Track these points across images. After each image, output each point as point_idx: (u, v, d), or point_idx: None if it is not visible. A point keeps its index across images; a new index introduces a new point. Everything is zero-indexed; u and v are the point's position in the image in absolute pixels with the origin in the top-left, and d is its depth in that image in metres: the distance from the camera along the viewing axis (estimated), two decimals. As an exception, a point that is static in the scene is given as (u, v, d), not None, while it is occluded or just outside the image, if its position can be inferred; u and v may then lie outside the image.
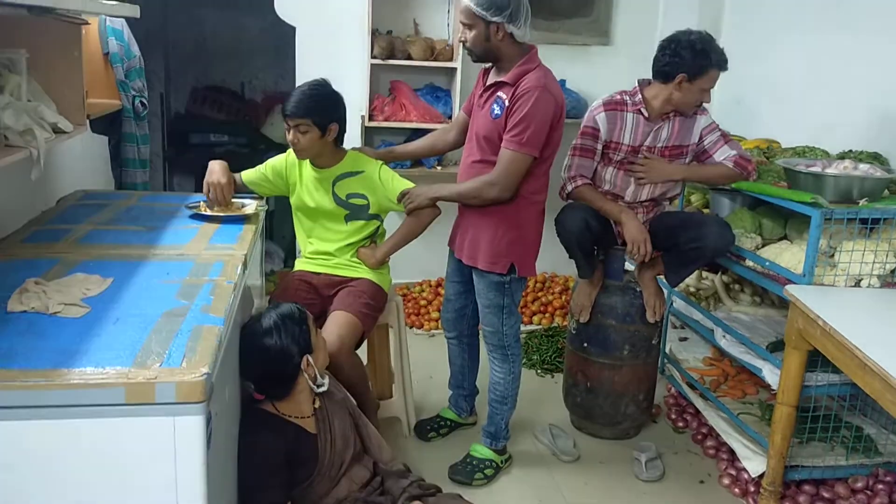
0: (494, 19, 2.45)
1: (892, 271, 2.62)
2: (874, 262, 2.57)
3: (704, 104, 2.89)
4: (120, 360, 1.49)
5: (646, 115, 2.82)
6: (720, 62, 2.74)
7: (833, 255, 2.63)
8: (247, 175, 2.81)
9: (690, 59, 2.71)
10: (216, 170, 2.69)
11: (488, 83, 2.63)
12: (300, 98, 2.58)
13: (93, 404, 1.44)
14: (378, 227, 2.85)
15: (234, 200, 2.71)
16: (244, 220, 2.60)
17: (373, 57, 4.02)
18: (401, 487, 2.35)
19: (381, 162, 2.78)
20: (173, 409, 1.46)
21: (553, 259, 3.11)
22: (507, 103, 2.51)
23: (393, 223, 2.83)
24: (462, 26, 2.54)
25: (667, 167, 2.87)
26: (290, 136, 2.62)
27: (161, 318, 1.70)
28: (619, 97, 2.88)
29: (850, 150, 3.05)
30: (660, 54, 2.79)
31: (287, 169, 2.80)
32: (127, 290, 1.87)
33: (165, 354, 1.52)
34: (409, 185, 2.73)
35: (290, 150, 2.76)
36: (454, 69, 4.13)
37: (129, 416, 1.46)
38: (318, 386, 2.20)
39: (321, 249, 2.83)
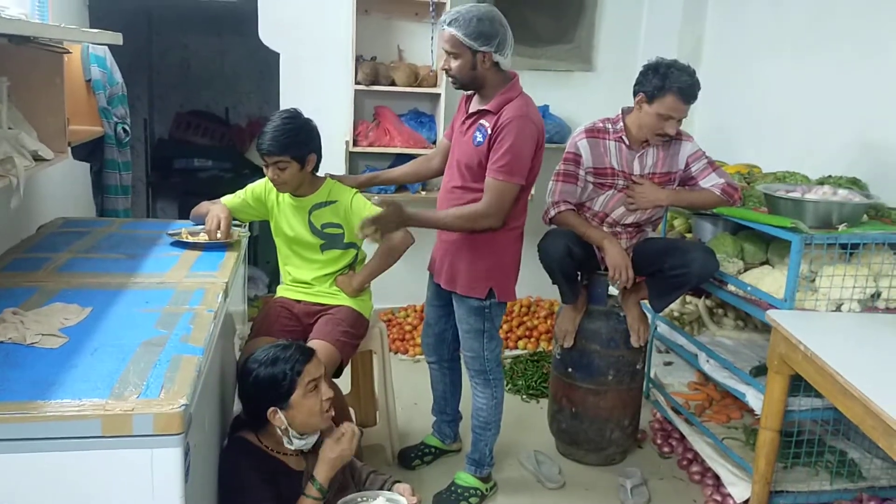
0: (482, 49, 2.46)
1: (872, 296, 2.64)
2: (854, 287, 2.59)
3: (685, 132, 2.90)
4: (97, 392, 1.47)
5: (627, 142, 2.84)
6: (680, 89, 2.67)
7: (814, 280, 2.65)
8: (228, 201, 2.80)
9: (650, 80, 2.72)
10: (218, 209, 2.69)
11: (471, 111, 2.63)
12: (275, 135, 2.54)
13: (69, 437, 1.41)
14: (356, 255, 2.84)
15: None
16: (226, 246, 2.59)
17: (357, 83, 4.04)
18: (382, 480, 2.35)
19: (355, 190, 2.76)
20: (151, 442, 1.44)
21: (538, 283, 3.12)
22: (489, 131, 2.51)
23: (373, 250, 2.81)
24: (446, 55, 2.54)
25: (657, 192, 2.88)
26: (269, 174, 2.61)
27: (140, 347, 1.69)
28: (601, 125, 2.90)
29: (830, 176, 3.09)
30: (637, 77, 2.81)
31: (266, 194, 2.79)
32: (106, 320, 1.85)
33: (143, 385, 1.51)
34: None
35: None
36: (438, 95, 4.16)
37: (105, 449, 1.43)
38: (289, 441, 2.10)
39: (299, 278, 2.82)
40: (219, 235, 2.61)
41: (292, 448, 2.13)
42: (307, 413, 2.10)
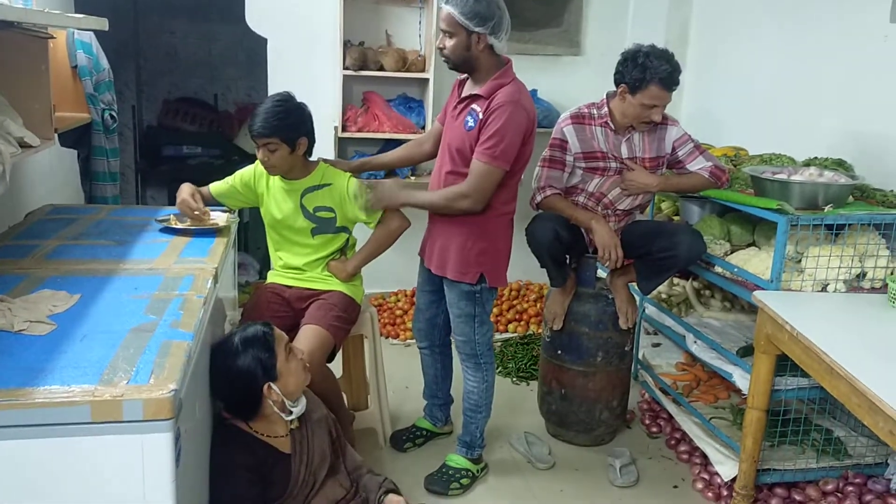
0: (477, 29, 2.45)
1: (858, 276, 2.66)
2: (840, 268, 2.61)
3: (671, 116, 2.91)
4: (86, 378, 1.48)
5: (612, 127, 2.85)
6: (661, 79, 2.68)
7: (800, 261, 2.67)
8: (216, 188, 2.80)
9: (630, 72, 2.72)
10: (181, 189, 2.69)
11: (463, 95, 2.63)
12: (266, 117, 2.55)
13: (59, 423, 1.42)
14: (347, 240, 2.85)
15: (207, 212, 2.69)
16: (215, 232, 2.59)
17: (345, 68, 4.02)
18: (377, 483, 2.37)
19: (349, 174, 2.77)
20: (141, 427, 1.44)
21: (527, 267, 3.14)
22: (480, 116, 2.51)
23: (364, 234, 2.82)
24: (442, 34, 2.53)
25: (647, 177, 2.89)
26: (259, 155, 2.61)
27: (129, 334, 1.69)
28: (585, 110, 2.90)
29: (816, 157, 3.10)
30: (616, 65, 2.81)
31: (255, 180, 2.79)
32: (95, 306, 1.85)
33: (133, 371, 1.51)
34: None
35: (258, 162, 2.77)
36: (427, 80, 4.14)
37: (95, 435, 1.44)
38: (288, 413, 2.14)
39: (290, 264, 2.82)
40: (196, 213, 2.61)
41: (291, 418, 2.15)
42: (295, 374, 2.16)
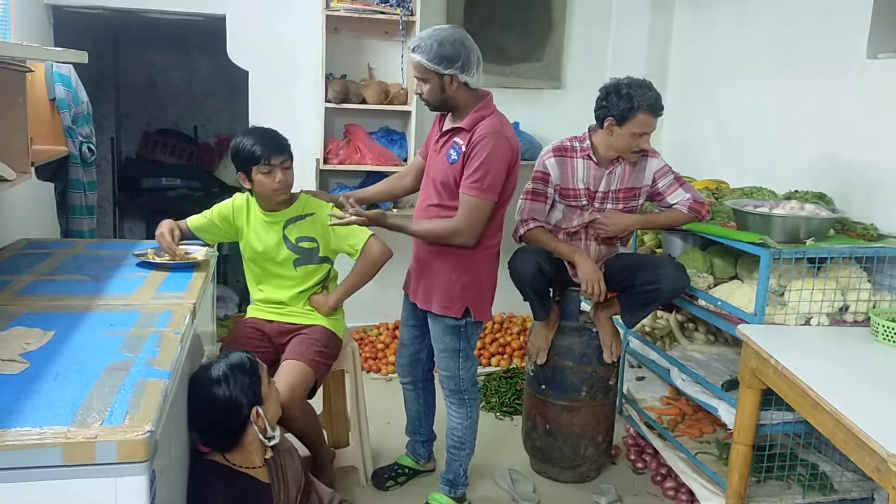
0: (447, 72, 2.47)
1: (840, 309, 2.67)
2: (822, 301, 2.61)
3: (652, 148, 2.93)
4: (59, 419, 1.43)
5: (595, 160, 2.86)
6: (649, 106, 2.72)
7: (783, 294, 2.67)
8: (193, 222, 2.76)
9: (616, 104, 2.75)
10: (160, 224, 2.66)
11: (444, 129, 2.63)
12: (275, 136, 2.62)
13: (30, 467, 1.37)
14: (329, 271, 2.81)
15: (182, 247, 2.65)
16: (194, 267, 2.55)
17: (327, 101, 4.02)
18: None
19: (331, 205, 2.76)
20: (115, 470, 1.40)
21: (510, 300, 3.12)
22: (463, 149, 2.52)
23: (346, 267, 2.79)
24: (417, 80, 2.56)
25: (624, 218, 2.91)
26: (277, 178, 2.58)
27: (104, 372, 1.64)
28: (568, 143, 2.91)
29: (797, 191, 3.13)
30: (597, 101, 2.83)
31: (234, 214, 2.76)
32: (69, 344, 1.81)
33: (107, 412, 1.46)
34: (361, 230, 2.68)
35: (236, 196, 2.76)
36: (409, 112, 4.15)
37: (68, 479, 1.39)
38: (269, 439, 2.12)
39: (273, 298, 2.78)
40: (168, 243, 2.58)
41: (271, 444, 2.13)
42: (275, 400, 2.20)
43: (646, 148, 2.81)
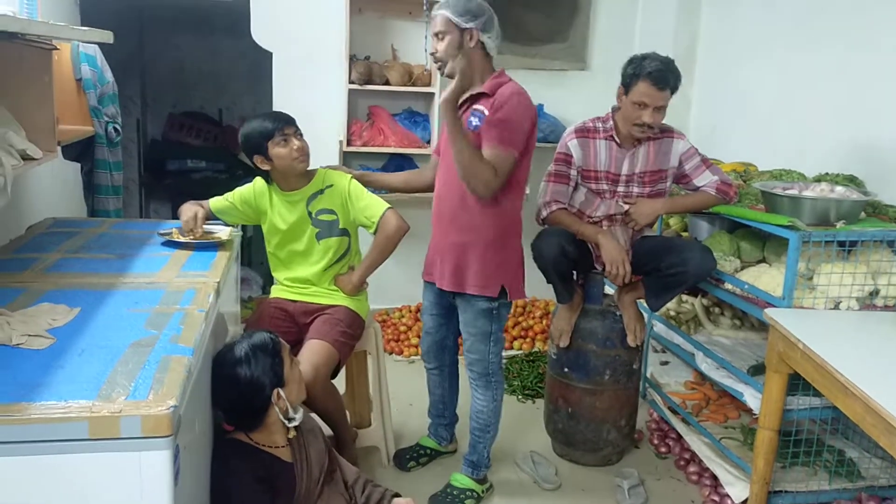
0: (468, 25, 2.49)
1: (871, 293, 2.62)
2: (853, 285, 2.57)
3: (677, 129, 2.88)
4: (84, 394, 1.44)
5: (618, 141, 2.82)
6: (649, 74, 2.65)
7: (812, 278, 2.63)
8: (215, 203, 2.77)
9: (625, 71, 2.75)
10: (185, 204, 2.68)
11: (463, 98, 2.60)
12: (279, 112, 2.67)
13: (55, 440, 1.38)
14: (349, 245, 2.80)
15: (207, 228, 2.66)
16: (217, 246, 2.55)
17: (350, 82, 4.01)
18: (380, 492, 2.38)
19: (350, 176, 2.77)
20: (139, 444, 1.40)
21: (533, 283, 3.09)
22: (486, 113, 2.50)
23: (366, 244, 2.79)
24: (434, 39, 2.56)
25: (653, 205, 2.87)
26: (295, 145, 2.60)
27: (128, 349, 1.65)
28: (590, 124, 2.88)
29: (827, 173, 3.07)
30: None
31: (256, 197, 2.76)
32: (94, 321, 1.82)
33: (131, 387, 1.47)
34: (379, 203, 2.69)
35: (257, 179, 2.76)
36: (432, 94, 4.13)
37: (92, 452, 1.40)
38: (290, 420, 2.12)
39: (299, 276, 2.78)
40: (191, 228, 2.58)
41: (293, 424, 2.13)
42: (297, 381, 2.20)
43: (648, 122, 2.72)
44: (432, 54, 2.59)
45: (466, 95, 2.58)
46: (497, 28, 2.56)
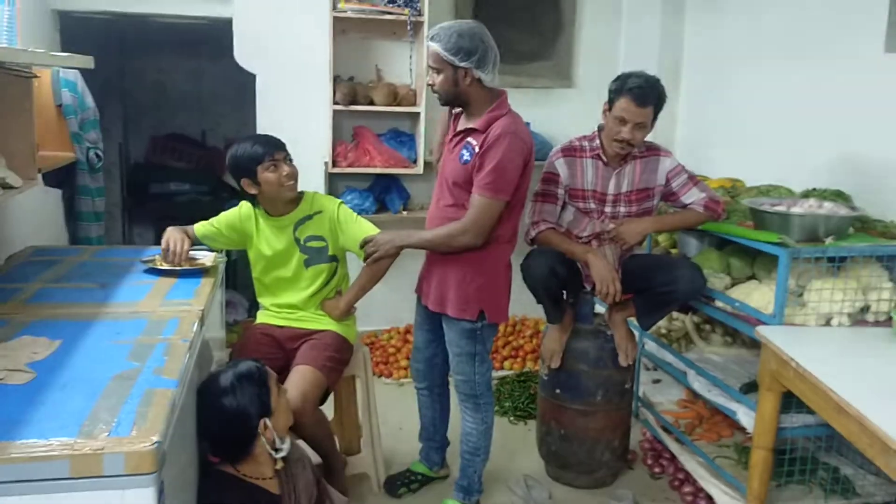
0: (462, 64, 2.43)
1: (862, 309, 2.61)
2: (843, 301, 2.56)
3: (664, 147, 2.88)
4: (66, 430, 1.40)
5: (604, 160, 2.81)
6: (629, 90, 2.65)
7: (802, 295, 2.62)
8: (200, 229, 2.73)
9: (610, 86, 2.75)
10: (169, 230, 2.64)
11: (459, 129, 2.59)
12: (269, 136, 2.62)
13: (36, 479, 1.34)
14: (337, 270, 2.77)
15: (191, 254, 2.62)
16: (202, 272, 2.52)
17: (335, 103, 3.99)
18: None
19: (339, 201, 2.74)
20: (122, 482, 1.37)
21: (523, 302, 3.07)
22: (476, 149, 2.48)
23: (356, 268, 2.75)
24: (430, 70, 2.52)
25: (639, 224, 2.84)
26: (285, 171, 2.56)
27: (111, 382, 1.61)
28: (577, 143, 2.87)
29: (814, 188, 3.07)
30: None
31: (242, 221, 2.72)
32: (76, 353, 1.78)
33: (114, 422, 1.43)
34: (370, 229, 2.67)
35: (243, 203, 2.72)
36: (417, 114, 4.11)
37: (74, 491, 1.36)
38: (277, 451, 2.07)
39: (285, 302, 2.75)
40: (174, 259, 2.54)
41: (280, 455, 2.08)
42: (285, 410, 2.16)
43: (627, 139, 2.70)
44: (429, 85, 2.56)
45: (461, 128, 2.57)
46: (495, 56, 2.50)
